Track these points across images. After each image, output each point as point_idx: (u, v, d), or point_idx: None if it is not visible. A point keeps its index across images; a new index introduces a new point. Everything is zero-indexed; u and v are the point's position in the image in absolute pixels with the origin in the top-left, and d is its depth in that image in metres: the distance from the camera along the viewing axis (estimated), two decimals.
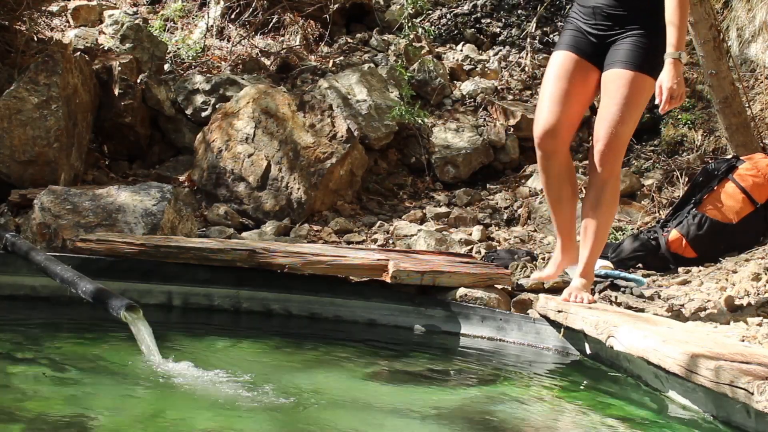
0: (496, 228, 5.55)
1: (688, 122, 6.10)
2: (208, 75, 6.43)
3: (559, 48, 3.80)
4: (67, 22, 7.05)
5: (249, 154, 5.70)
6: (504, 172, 6.23)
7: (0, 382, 2.81)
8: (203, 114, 6.21)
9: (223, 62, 6.81)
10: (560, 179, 3.76)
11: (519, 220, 5.64)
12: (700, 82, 6.14)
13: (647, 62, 3.60)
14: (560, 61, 3.74)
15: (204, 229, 5.31)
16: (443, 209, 5.68)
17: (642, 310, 4.03)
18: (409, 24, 6.25)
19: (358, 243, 5.26)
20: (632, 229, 5.40)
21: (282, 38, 7.17)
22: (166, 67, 6.66)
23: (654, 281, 4.66)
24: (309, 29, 7.17)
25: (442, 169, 6.06)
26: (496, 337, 3.86)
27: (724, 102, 5.23)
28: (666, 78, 3.46)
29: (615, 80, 3.62)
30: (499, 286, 4.11)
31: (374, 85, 6.19)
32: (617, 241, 5.09)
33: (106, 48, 6.51)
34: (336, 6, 7.14)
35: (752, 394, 2.34)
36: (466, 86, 6.57)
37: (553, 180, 3.77)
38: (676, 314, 4.02)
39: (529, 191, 5.87)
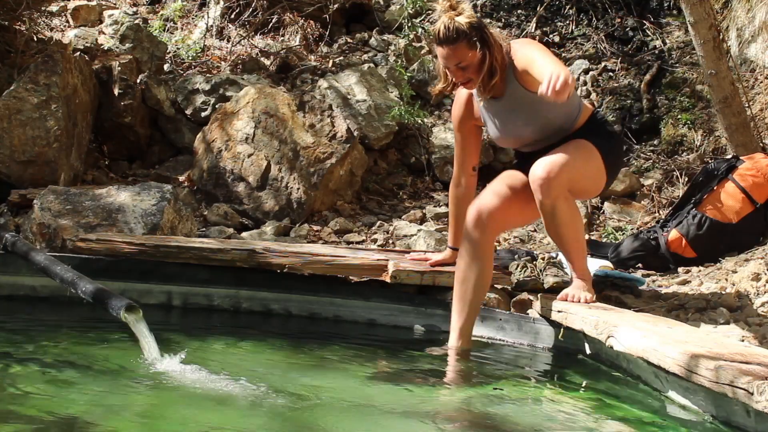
0: None
1: (688, 122, 6.10)
2: (207, 75, 6.43)
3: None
4: (67, 22, 7.05)
5: (249, 154, 5.70)
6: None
7: (1, 382, 2.81)
8: (203, 114, 6.21)
9: (222, 62, 6.81)
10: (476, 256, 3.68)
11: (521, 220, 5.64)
12: (700, 82, 6.14)
13: (599, 144, 3.62)
14: (512, 173, 3.76)
15: (204, 229, 5.31)
16: (443, 209, 5.67)
17: (642, 310, 4.03)
18: (409, 24, 6.25)
19: (357, 243, 5.26)
20: (632, 229, 5.40)
21: (282, 38, 7.17)
22: (166, 67, 6.66)
23: (654, 281, 4.66)
24: (309, 29, 7.16)
25: (442, 169, 6.06)
26: (495, 337, 3.86)
27: (723, 102, 5.23)
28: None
29: (573, 140, 3.62)
30: (499, 286, 4.11)
31: (374, 85, 6.19)
32: (617, 241, 5.09)
33: (106, 48, 6.51)
34: (336, 6, 7.14)
35: (752, 394, 2.34)
36: None
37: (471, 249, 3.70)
38: (676, 314, 4.02)
39: None
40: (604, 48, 6.79)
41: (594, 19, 7.04)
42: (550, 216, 3.54)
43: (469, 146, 3.84)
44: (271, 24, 7.20)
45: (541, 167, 3.47)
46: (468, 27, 3.49)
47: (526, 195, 3.62)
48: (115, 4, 7.43)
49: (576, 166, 3.51)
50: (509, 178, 3.74)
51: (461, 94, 3.80)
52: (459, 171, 3.91)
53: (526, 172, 3.68)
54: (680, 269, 4.76)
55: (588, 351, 3.54)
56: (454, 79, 3.58)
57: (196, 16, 7.47)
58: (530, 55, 3.52)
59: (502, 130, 3.68)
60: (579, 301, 3.61)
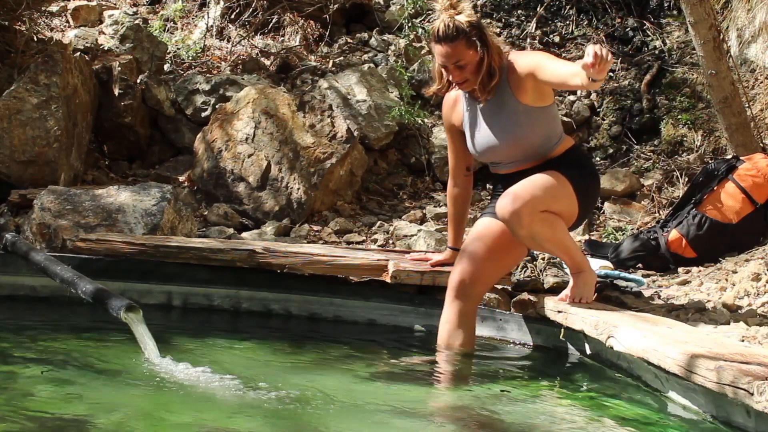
0: None
1: (688, 122, 6.10)
2: (208, 75, 6.43)
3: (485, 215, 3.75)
4: (67, 22, 7.05)
5: (249, 155, 5.70)
6: None
7: (0, 382, 2.81)
8: (203, 114, 6.20)
9: (223, 62, 6.81)
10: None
11: None
12: (700, 82, 6.14)
13: (572, 176, 3.55)
14: (484, 223, 3.68)
15: (204, 229, 5.31)
16: (443, 209, 5.67)
17: (642, 311, 4.03)
18: (409, 24, 6.25)
19: (358, 243, 5.26)
20: (632, 229, 5.40)
21: (282, 38, 7.17)
22: (166, 67, 6.66)
23: (654, 281, 4.66)
24: (309, 29, 7.16)
25: (442, 169, 6.05)
26: (496, 337, 3.86)
27: (723, 102, 5.22)
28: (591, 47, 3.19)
29: (543, 173, 3.53)
30: (499, 286, 4.11)
31: (374, 85, 6.19)
32: (617, 242, 5.09)
33: (106, 48, 6.50)
34: (336, 6, 7.14)
35: (752, 394, 2.34)
36: None
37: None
38: (676, 314, 4.02)
39: None
40: (603, 47, 6.77)
41: (594, 19, 7.04)
42: (530, 241, 3.50)
43: (458, 148, 3.79)
44: (271, 24, 7.20)
45: (508, 199, 3.41)
46: (468, 26, 3.49)
47: (506, 239, 3.55)
48: (115, 4, 7.43)
49: (545, 190, 3.45)
50: (484, 230, 3.62)
51: (449, 96, 3.77)
52: (453, 172, 3.88)
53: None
54: (680, 269, 4.76)
55: (588, 351, 3.53)
56: (451, 79, 3.55)
57: (196, 16, 7.47)
58: (539, 60, 3.51)
59: (480, 138, 3.62)
60: (579, 302, 3.60)
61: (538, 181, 3.47)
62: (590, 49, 3.09)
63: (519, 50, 6.93)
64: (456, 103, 3.74)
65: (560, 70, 3.42)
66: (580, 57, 6.69)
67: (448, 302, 3.60)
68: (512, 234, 3.47)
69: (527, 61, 3.55)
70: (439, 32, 3.48)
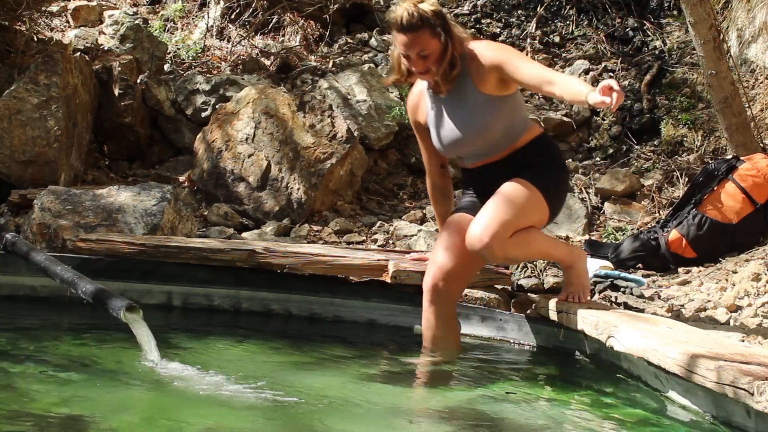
0: None
1: (688, 122, 6.10)
2: (208, 75, 6.43)
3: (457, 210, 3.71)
4: (67, 22, 7.05)
5: (249, 155, 5.70)
6: None
7: (0, 382, 2.81)
8: (203, 114, 6.20)
9: (223, 62, 6.81)
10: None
11: None
12: (700, 82, 6.14)
13: (539, 181, 3.50)
14: (455, 220, 3.63)
15: (204, 229, 5.31)
16: None
17: (642, 310, 4.03)
18: None
19: (358, 243, 5.26)
20: (632, 229, 5.40)
21: (282, 38, 7.17)
22: (166, 67, 6.66)
23: (654, 281, 4.66)
24: (309, 29, 7.16)
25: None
26: (496, 337, 3.86)
27: (724, 102, 5.23)
28: (603, 83, 3.18)
29: (504, 187, 3.48)
30: (499, 286, 4.11)
31: (374, 85, 6.19)
32: (617, 242, 5.09)
33: (106, 48, 6.50)
34: (336, 6, 7.14)
35: (752, 394, 2.34)
36: None
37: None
38: (676, 314, 4.02)
39: None
40: (605, 48, 6.78)
41: (594, 19, 7.04)
42: (510, 263, 3.50)
43: (429, 146, 3.72)
44: (271, 24, 7.20)
45: (475, 234, 3.37)
46: (432, 14, 3.41)
47: None
48: (115, 4, 7.44)
49: (512, 213, 3.39)
50: (454, 228, 3.58)
51: (413, 94, 3.73)
52: (428, 170, 3.83)
53: (473, 203, 3.60)
54: (680, 269, 4.76)
55: (588, 351, 3.53)
56: (413, 69, 3.47)
57: (196, 16, 7.47)
58: (508, 57, 3.45)
59: (443, 132, 3.58)
60: (579, 300, 3.59)
61: (501, 205, 3.40)
62: (610, 86, 3.09)
63: (519, 51, 6.95)
64: (420, 99, 3.69)
65: (536, 74, 3.37)
66: (581, 57, 6.74)
67: (425, 306, 3.57)
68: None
69: (493, 55, 3.47)
70: (403, 21, 3.41)
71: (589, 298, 3.66)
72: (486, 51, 3.49)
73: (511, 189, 3.45)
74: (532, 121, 3.65)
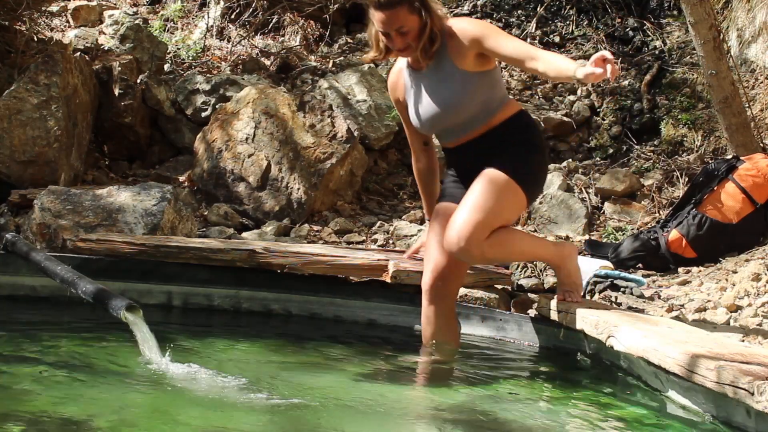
0: None
1: (688, 122, 6.10)
2: (208, 75, 6.43)
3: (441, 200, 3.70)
4: (67, 22, 7.05)
5: (249, 155, 5.70)
6: None
7: (0, 382, 2.81)
8: (203, 114, 6.21)
9: (223, 62, 6.81)
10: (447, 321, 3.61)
11: (519, 220, 5.64)
12: (700, 82, 6.14)
13: (518, 171, 3.47)
14: (442, 211, 3.62)
15: (204, 229, 5.31)
16: None
17: (642, 310, 4.03)
18: None
19: (358, 243, 5.26)
20: (632, 229, 5.40)
21: (282, 38, 7.17)
22: (166, 67, 6.66)
23: (654, 281, 4.66)
24: (309, 29, 7.16)
25: (442, 169, 6.05)
26: (496, 337, 3.86)
27: (724, 102, 5.23)
28: (594, 56, 3.14)
29: (482, 177, 3.46)
30: (499, 286, 4.11)
31: (374, 85, 6.19)
32: (617, 242, 5.09)
33: (106, 48, 6.51)
34: (336, 6, 7.14)
35: (752, 394, 2.34)
36: None
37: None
38: (676, 314, 4.02)
39: None
40: (605, 48, 6.78)
41: (594, 19, 7.04)
42: (491, 263, 3.48)
43: (411, 123, 3.69)
44: (271, 24, 7.20)
45: (453, 236, 3.34)
46: None
47: None
48: (115, 4, 7.44)
49: (488, 215, 3.36)
50: (443, 220, 3.54)
51: (393, 71, 3.71)
52: (412, 148, 3.81)
53: (458, 193, 3.57)
54: (680, 269, 4.76)
55: (588, 351, 3.53)
56: (392, 46, 3.44)
57: (196, 16, 7.47)
58: (488, 32, 3.41)
59: (420, 108, 3.55)
60: (572, 299, 3.57)
61: (477, 204, 3.37)
62: (604, 57, 3.06)
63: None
64: (399, 78, 3.67)
65: (519, 49, 3.34)
66: (581, 57, 6.74)
67: (425, 305, 3.57)
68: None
69: (472, 30, 3.43)
70: None
71: (581, 296, 3.65)
72: (467, 26, 3.46)
73: (486, 185, 3.41)
74: (510, 99, 3.62)
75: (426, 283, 3.55)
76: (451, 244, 3.37)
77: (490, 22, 7.11)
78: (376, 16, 3.42)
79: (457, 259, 3.44)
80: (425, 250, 3.67)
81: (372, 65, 6.52)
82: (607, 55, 3.07)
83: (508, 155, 3.47)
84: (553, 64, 3.27)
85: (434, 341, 3.56)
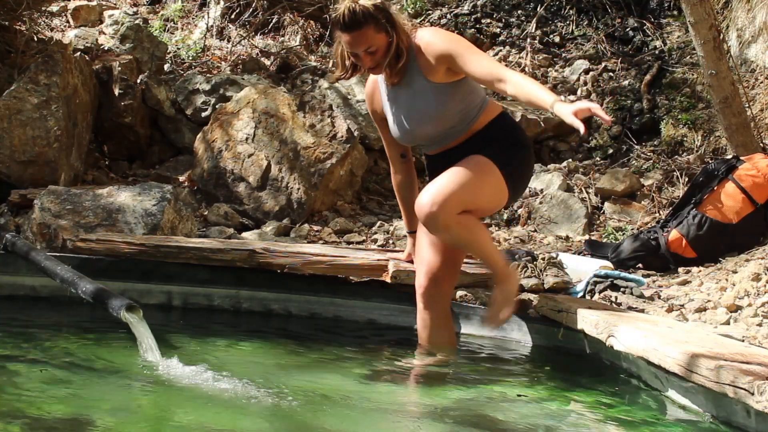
0: (496, 228, 5.55)
1: (688, 122, 6.10)
2: (208, 75, 6.43)
3: None
4: (67, 22, 7.05)
5: (249, 154, 5.70)
6: None
7: (0, 382, 2.81)
8: (203, 114, 6.21)
9: (223, 62, 6.81)
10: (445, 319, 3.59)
11: (519, 220, 5.64)
12: (700, 82, 6.14)
13: (501, 160, 3.43)
14: None
15: (204, 229, 5.31)
16: None
17: (642, 310, 4.03)
18: None
19: (358, 243, 5.26)
20: (632, 229, 5.40)
21: (282, 38, 7.17)
22: (166, 67, 6.66)
23: (654, 281, 4.66)
24: (309, 29, 7.17)
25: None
26: (496, 337, 3.86)
27: (724, 102, 5.23)
28: (580, 103, 3.21)
29: (470, 156, 3.41)
30: None
31: None
32: (617, 242, 5.09)
33: (106, 48, 6.51)
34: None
35: (752, 394, 2.34)
36: None
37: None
38: (676, 314, 4.02)
39: (530, 191, 5.87)
40: (604, 48, 6.79)
41: (594, 19, 7.04)
42: (451, 243, 3.38)
43: (388, 135, 3.65)
44: (271, 24, 7.20)
45: (425, 199, 3.28)
46: (374, 9, 3.32)
47: None
48: (115, 4, 7.44)
49: (464, 187, 3.30)
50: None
51: (369, 82, 3.67)
52: (390, 160, 3.77)
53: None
54: (680, 269, 4.76)
55: (588, 351, 3.53)
56: (362, 65, 3.40)
57: (196, 16, 7.48)
58: (458, 49, 3.35)
59: (398, 122, 3.52)
60: (497, 320, 3.50)
61: (456, 176, 3.31)
62: (590, 110, 3.10)
63: (519, 50, 6.95)
64: (375, 89, 3.63)
65: (487, 70, 3.29)
66: (581, 57, 6.74)
67: (420, 308, 3.55)
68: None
69: (441, 46, 3.37)
70: (345, 19, 3.31)
71: (505, 319, 3.53)
72: (434, 41, 3.40)
73: (469, 163, 3.37)
74: (490, 101, 3.56)
75: (420, 285, 3.53)
76: (421, 207, 3.28)
77: (490, 22, 7.11)
78: (343, 38, 3.38)
79: (423, 224, 3.34)
80: (416, 253, 3.64)
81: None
82: (597, 111, 3.09)
83: (492, 149, 3.43)
84: (524, 88, 3.24)
85: (431, 343, 3.55)
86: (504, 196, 3.47)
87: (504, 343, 3.84)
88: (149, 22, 7.25)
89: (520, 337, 3.82)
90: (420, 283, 3.54)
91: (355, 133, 5.88)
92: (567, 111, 3.12)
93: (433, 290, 3.52)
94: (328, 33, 7.04)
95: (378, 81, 3.59)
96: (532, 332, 3.79)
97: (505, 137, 3.50)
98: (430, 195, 3.27)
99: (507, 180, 3.41)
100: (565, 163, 6.03)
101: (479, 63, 3.33)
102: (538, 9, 7.08)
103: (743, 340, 3.56)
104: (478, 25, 7.18)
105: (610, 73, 6.61)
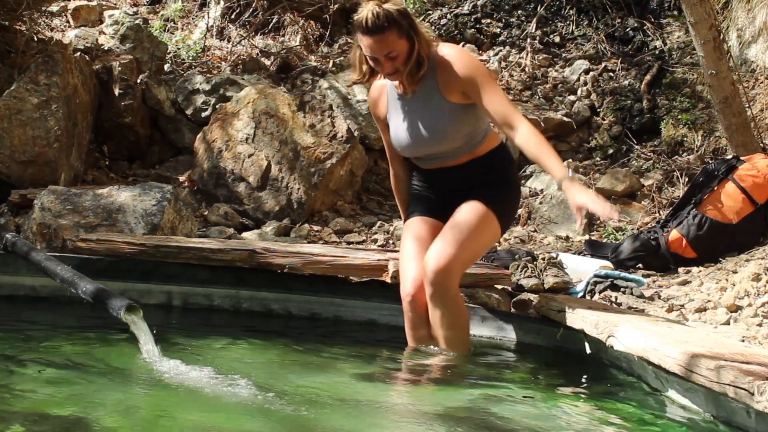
0: None
1: (688, 122, 6.10)
2: (208, 75, 6.43)
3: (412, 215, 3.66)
4: (67, 22, 7.06)
5: (249, 155, 5.70)
6: None
7: (0, 382, 2.81)
8: (203, 114, 6.21)
9: (223, 62, 6.81)
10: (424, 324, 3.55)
11: (519, 220, 5.64)
12: (700, 82, 6.15)
13: (498, 207, 3.48)
14: (415, 224, 3.60)
15: (204, 229, 5.31)
16: None
17: (642, 310, 4.03)
18: None
19: (358, 243, 5.26)
20: (632, 229, 5.40)
21: (282, 38, 7.17)
22: (166, 67, 6.66)
23: (654, 281, 4.66)
24: (309, 29, 7.17)
25: None
26: (496, 337, 3.86)
27: (724, 102, 5.23)
28: (589, 197, 3.27)
29: (465, 209, 3.46)
30: (499, 286, 4.11)
31: None
32: (617, 242, 5.10)
33: (106, 48, 6.51)
34: (336, 6, 7.14)
35: (753, 394, 2.34)
36: None
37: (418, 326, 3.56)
38: (676, 314, 4.02)
39: (530, 191, 5.87)
40: (605, 48, 6.79)
41: (594, 19, 7.04)
42: (445, 305, 3.38)
43: (389, 137, 3.64)
44: (271, 24, 7.21)
45: (431, 265, 3.34)
46: (398, 14, 3.29)
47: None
48: (115, 4, 7.44)
49: (468, 251, 3.40)
50: (421, 235, 3.54)
51: (375, 86, 3.63)
52: (390, 162, 3.76)
53: (431, 208, 3.58)
54: (680, 269, 4.76)
55: (588, 351, 3.53)
56: (381, 71, 3.38)
57: (196, 16, 7.48)
58: (483, 81, 3.36)
59: (404, 133, 3.51)
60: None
61: (459, 238, 3.36)
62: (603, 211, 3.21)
63: (519, 50, 6.94)
64: (381, 94, 3.60)
65: (501, 113, 3.32)
66: (581, 57, 6.73)
67: (407, 311, 3.51)
68: (428, 294, 3.40)
69: (465, 72, 3.38)
70: (368, 23, 3.26)
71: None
72: (458, 62, 3.40)
73: (469, 215, 3.43)
74: (493, 131, 3.59)
75: (407, 294, 3.49)
76: (430, 273, 3.35)
77: (490, 22, 7.11)
78: (364, 41, 3.34)
79: (428, 284, 3.38)
80: (401, 259, 3.61)
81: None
82: (603, 211, 3.22)
83: (488, 189, 3.49)
84: (533, 147, 3.30)
85: (418, 343, 3.54)
86: (497, 237, 3.58)
87: (504, 343, 3.84)
88: (149, 22, 7.25)
89: (519, 336, 3.82)
90: (406, 290, 3.51)
91: (355, 133, 5.88)
92: (573, 198, 3.24)
93: (420, 300, 3.50)
94: (328, 33, 7.04)
95: (386, 87, 3.57)
96: (532, 332, 3.79)
97: (502, 172, 3.57)
98: (436, 261, 3.34)
99: (500, 220, 3.50)
100: (565, 163, 6.03)
101: (496, 101, 3.35)
102: (538, 9, 7.08)
103: (743, 340, 3.56)
104: (478, 25, 7.18)
105: (610, 73, 6.61)
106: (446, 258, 3.35)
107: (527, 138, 3.29)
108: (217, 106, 6.11)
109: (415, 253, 3.51)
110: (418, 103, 3.47)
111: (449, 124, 3.43)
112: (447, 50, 3.45)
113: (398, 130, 3.54)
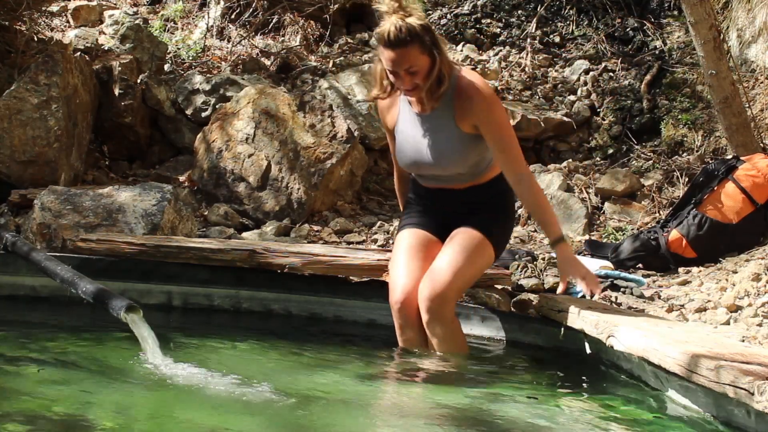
0: None
1: (688, 122, 6.10)
2: (208, 75, 6.43)
3: (405, 227, 3.67)
4: (67, 22, 7.06)
5: (249, 155, 5.70)
6: None
7: (0, 382, 2.81)
8: (203, 114, 6.21)
9: (223, 62, 6.81)
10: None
11: (519, 220, 5.64)
12: (700, 82, 6.14)
13: (494, 235, 3.52)
14: (407, 235, 3.61)
15: (204, 229, 5.31)
16: None
17: (642, 310, 4.03)
18: None
19: (358, 243, 5.26)
20: (632, 229, 5.40)
21: (282, 38, 7.17)
22: (166, 67, 6.66)
23: (654, 281, 4.66)
24: (309, 29, 7.17)
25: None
26: (496, 337, 3.86)
27: (724, 102, 5.23)
28: (579, 272, 3.34)
29: (463, 235, 3.49)
30: (499, 286, 4.11)
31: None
32: (617, 242, 5.10)
33: (106, 48, 6.51)
34: (336, 6, 7.14)
35: (753, 394, 2.34)
36: None
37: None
38: (677, 314, 4.02)
39: None
40: (605, 48, 6.79)
41: (594, 19, 7.04)
42: (442, 328, 3.40)
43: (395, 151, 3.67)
44: (271, 24, 7.20)
45: (427, 292, 3.36)
46: (420, 29, 3.27)
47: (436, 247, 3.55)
48: (115, 4, 7.44)
49: (465, 278, 3.44)
50: (416, 246, 3.56)
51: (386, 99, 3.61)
52: (396, 168, 3.78)
53: (425, 222, 3.60)
54: (680, 269, 4.76)
55: (588, 351, 3.53)
56: (401, 86, 3.36)
57: (196, 16, 7.48)
58: (495, 125, 3.38)
59: (410, 149, 3.51)
60: None
61: (455, 263, 3.40)
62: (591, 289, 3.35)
63: (519, 50, 6.94)
64: (392, 104, 3.58)
65: (509, 166, 3.40)
66: (581, 57, 6.73)
67: (396, 317, 3.52)
68: (423, 319, 3.42)
69: (486, 111, 3.39)
70: (390, 36, 3.25)
71: None
72: (478, 99, 3.39)
73: (466, 241, 3.46)
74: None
75: (396, 301, 3.49)
76: (425, 300, 3.38)
77: (490, 22, 7.11)
78: (385, 54, 3.31)
79: (424, 310, 3.41)
80: (391, 267, 3.61)
81: (372, 65, 6.52)
82: (587, 285, 3.35)
83: (488, 219, 3.53)
84: (533, 202, 3.43)
85: (408, 345, 3.53)
86: (491, 263, 3.65)
87: (503, 343, 3.84)
88: (149, 22, 7.25)
89: (519, 336, 3.82)
90: (396, 298, 3.52)
91: (355, 133, 5.88)
92: (564, 270, 3.40)
93: (413, 312, 3.51)
94: (328, 33, 7.04)
95: (398, 97, 3.54)
96: (532, 332, 3.79)
97: (501, 200, 3.61)
98: (432, 287, 3.38)
99: (495, 247, 3.55)
100: (565, 163, 6.03)
101: (506, 154, 3.42)
102: (538, 9, 7.08)
103: (743, 340, 3.56)
104: (478, 25, 7.18)
105: (610, 73, 6.61)
106: (442, 285, 3.38)
107: (528, 193, 3.42)
108: (217, 106, 6.11)
109: (406, 262, 3.53)
110: (432, 122, 3.46)
111: (457, 151, 3.45)
112: (472, 77, 3.45)
113: (405, 145, 3.54)
